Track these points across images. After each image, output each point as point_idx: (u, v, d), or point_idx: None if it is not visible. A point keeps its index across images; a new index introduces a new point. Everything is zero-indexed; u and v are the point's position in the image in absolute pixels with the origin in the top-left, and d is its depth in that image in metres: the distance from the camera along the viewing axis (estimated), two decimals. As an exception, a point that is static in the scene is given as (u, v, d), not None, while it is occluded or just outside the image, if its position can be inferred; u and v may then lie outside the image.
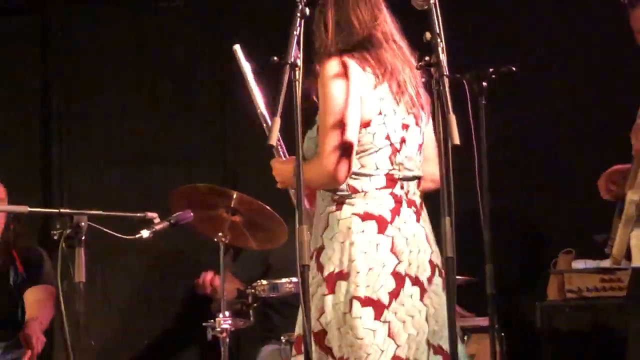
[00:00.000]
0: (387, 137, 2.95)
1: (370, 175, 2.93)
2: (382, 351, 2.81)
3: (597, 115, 5.00)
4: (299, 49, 2.69)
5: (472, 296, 4.08)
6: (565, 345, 4.65)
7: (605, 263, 4.40)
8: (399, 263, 2.87)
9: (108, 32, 5.66)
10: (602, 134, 4.78)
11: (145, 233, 3.62)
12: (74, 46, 5.66)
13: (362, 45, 2.97)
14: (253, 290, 4.37)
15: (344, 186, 2.91)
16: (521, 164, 5.07)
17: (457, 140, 2.54)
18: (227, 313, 4.23)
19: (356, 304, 2.82)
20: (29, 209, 3.78)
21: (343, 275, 2.84)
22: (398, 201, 2.94)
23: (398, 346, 2.83)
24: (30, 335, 4.32)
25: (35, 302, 4.55)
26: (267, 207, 4.27)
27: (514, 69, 3.89)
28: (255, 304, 4.40)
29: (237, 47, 3.36)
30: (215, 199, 4.31)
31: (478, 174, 3.71)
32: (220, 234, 4.31)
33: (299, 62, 2.67)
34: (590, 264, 4.70)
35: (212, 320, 4.25)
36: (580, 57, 5.10)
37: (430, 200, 3.01)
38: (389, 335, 2.83)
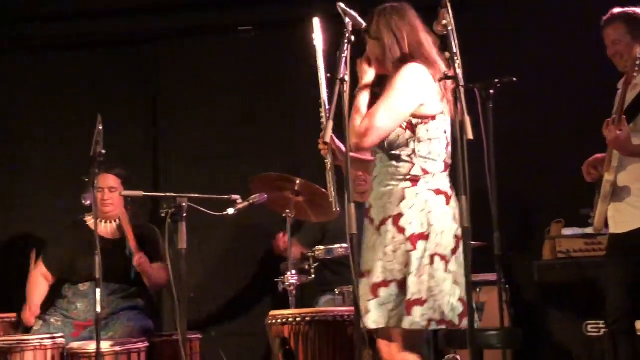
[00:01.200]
0: (445, 132, 2.98)
1: (435, 160, 2.94)
2: (451, 295, 2.86)
3: (581, 115, 4.93)
4: (347, 68, 2.70)
5: (483, 257, 4.04)
6: (556, 294, 4.60)
7: (589, 230, 4.34)
8: (457, 228, 2.90)
9: (199, 57, 5.69)
10: (585, 130, 4.71)
11: (230, 211, 3.65)
12: (174, 68, 5.70)
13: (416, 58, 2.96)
14: (313, 254, 4.38)
15: (417, 168, 2.91)
16: (522, 154, 5.01)
17: (470, 135, 2.55)
18: (293, 271, 4.25)
19: (437, 259, 2.85)
20: (144, 193, 3.84)
21: (423, 236, 2.86)
22: (450, 182, 2.99)
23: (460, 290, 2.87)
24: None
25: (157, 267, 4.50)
26: (323, 189, 4.27)
27: (514, 79, 3.85)
28: (314, 264, 4.41)
29: (316, 20, 3.17)
30: (283, 184, 4.33)
31: (487, 161, 3.67)
32: (287, 210, 4.33)
33: (347, 78, 2.68)
34: (577, 230, 4.64)
35: (282, 277, 4.27)
36: (566, 69, 5.04)
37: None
38: (454, 282, 2.87)
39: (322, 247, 4.37)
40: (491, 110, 3.74)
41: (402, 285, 2.84)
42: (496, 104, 3.81)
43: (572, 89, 5.02)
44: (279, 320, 3.87)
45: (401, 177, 2.92)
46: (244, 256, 5.48)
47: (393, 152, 2.94)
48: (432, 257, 2.86)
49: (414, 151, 2.93)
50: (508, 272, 4.17)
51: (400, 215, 2.88)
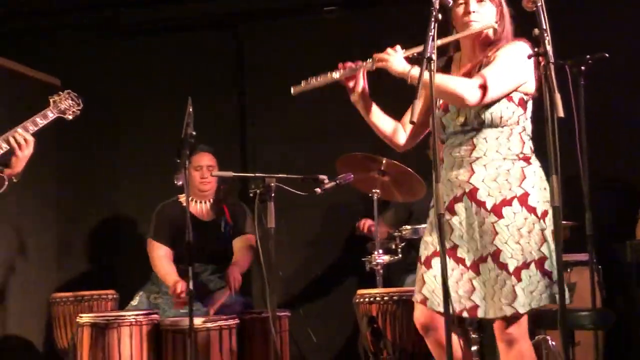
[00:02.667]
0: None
1: (531, 139, 2.91)
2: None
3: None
4: (434, 46, 2.65)
5: (574, 237, 3.96)
6: (650, 275, 4.46)
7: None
8: None
9: (286, 38, 5.70)
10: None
11: (317, 190, 3.66)
12: (260, 49, 5.73)
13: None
14: (399, 233, 4.37)
15: (527, 146, 2.88)
16: (612, 131, 4.86)
17: (561, 113, 2.47)
18: (380, 250, 4.25)
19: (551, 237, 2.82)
20: (233, 174, 3.89)
21: (546, 213, 2.82)
22: None
23: None
24: (229, 277, 4.42)
25: (239, 249, 4.60)
26: (410, 169, 4.25)
27: (606, 55, 3.73)
28: (401, 244, 4.39)
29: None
30: (369, 164, 4.32)
31: (578, 140, 3.59)
32: (373, 190, 4.32)
33: (434, 56, 2.63)
34: (671, 209, 4.49)
35: (369, 256, 4.28)
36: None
37: (540, 160, 2.93)
38: None
39: (408, 227, 4.35)
40: (582, 88, 3.65)
41: (539, 265, 2.78)
42: (587, 80, 3.72)
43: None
44: (367, 299, 3.88)
45: (514, 156, 2.86)
46: (331, 235, 5.48)
47: (505, 129, 2.87)
48: (552, 232, 2.82)
49: (524, 129, 2.90)
50: (599, 252, 4.06)
51: (526, 194, 2.82)
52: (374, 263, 4.22)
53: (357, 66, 3.00)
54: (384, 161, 4.27)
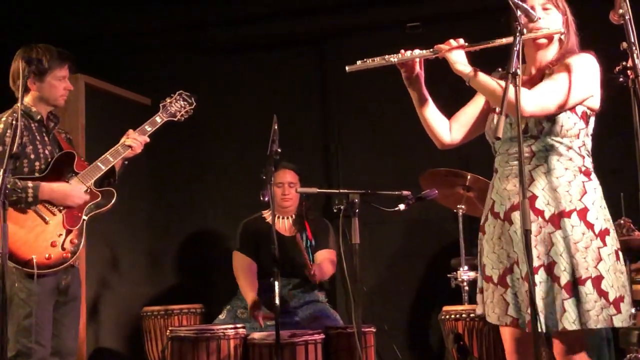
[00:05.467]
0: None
1: (591, 158, 2.87)
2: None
3: None
4: (519, 61, 2.63)
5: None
6: None
7: None
8: None
9: (369, 54, 5.73)
10: None
11: (402, 206, 3.67)
12: (344, 66, 5.77)
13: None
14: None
15: (588, 161, 2.83)
16: None
17: (650, 128, 2.44)
18: (466, 267, 4.23)
19: (620, 254, 2.79)
20: (318, 190, 3.94)
21: (608, 232, 2.78)
22: None
23: None
24: (313, 269, 4.43)
25: (322, 261, 4.61)
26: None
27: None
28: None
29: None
30: (454, 179, 4.32)
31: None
32: (458, 206, 4.30)
33: (519, 72, 2.61)
34: None
35: (454, 272, 4.26)
36: None
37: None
38: None
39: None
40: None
41: (597, 284, 2.72)
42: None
43: None
44: (453, 316, 3.88)
45: (576, 170, 2.80)
46: (415, 251, 5.47)
47: (564, 139, 2.81)
48: (616, 252, 2.77)
49: (584, 144, 2.84)
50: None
51: (586, 209, 2.76)
52: (460, 279, 4.20)
53: (417, 54, 3.01)
54: (468, 177, 4.25)
